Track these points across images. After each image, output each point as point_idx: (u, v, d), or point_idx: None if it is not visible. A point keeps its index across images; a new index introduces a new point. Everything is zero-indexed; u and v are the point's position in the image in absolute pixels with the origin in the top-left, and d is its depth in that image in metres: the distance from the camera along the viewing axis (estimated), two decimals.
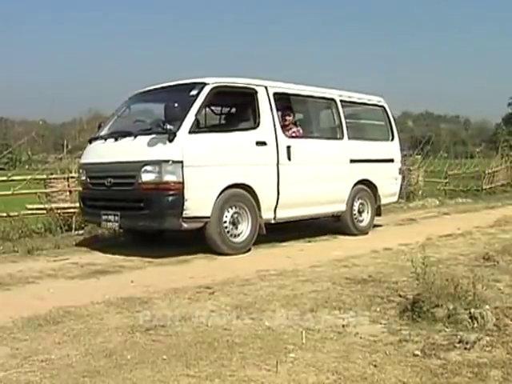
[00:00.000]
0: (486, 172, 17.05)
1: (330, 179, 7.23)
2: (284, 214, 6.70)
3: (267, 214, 6.47)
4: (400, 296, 4.07)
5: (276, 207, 6.57)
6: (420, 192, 14.07)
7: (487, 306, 3.52)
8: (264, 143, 6.43)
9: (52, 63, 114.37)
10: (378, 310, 3.80)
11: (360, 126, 8.46)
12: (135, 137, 6.03)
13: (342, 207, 7.51)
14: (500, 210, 11.33)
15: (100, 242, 7.00)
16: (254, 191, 6.26)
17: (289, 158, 6.67)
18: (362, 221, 7.92)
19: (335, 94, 7.67)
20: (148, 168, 5.75)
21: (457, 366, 2.76)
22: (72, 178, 8.32)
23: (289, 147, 6.68)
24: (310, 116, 7.88)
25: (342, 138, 7.57)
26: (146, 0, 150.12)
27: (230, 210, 6.10)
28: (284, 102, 7.07)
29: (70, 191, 8.31)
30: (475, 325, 3.29)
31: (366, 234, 7.88)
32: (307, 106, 7.69)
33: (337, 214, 7.58)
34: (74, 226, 7.78)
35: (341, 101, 7.65)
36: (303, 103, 7.59)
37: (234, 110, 7.70)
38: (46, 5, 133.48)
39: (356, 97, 8.13)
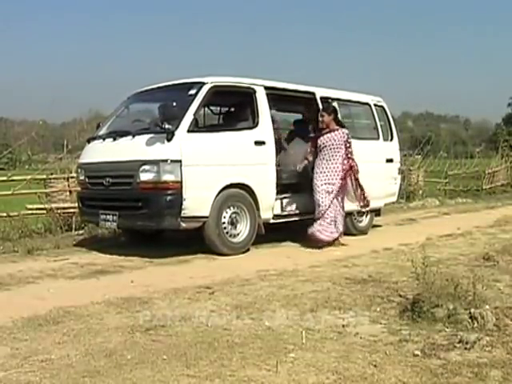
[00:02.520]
0: (486, 172, 17.07)
1: (371, 176, 7.60)
2: None
3: (266, 214, 6.47)
4: (400, 296, 4.07)
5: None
6: (420, 192, 14.08)
7: (487, 306, 3.52)
8: (263, 143, 6.43)
9: (52, 63, 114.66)
10: (378, 310, 3.80)
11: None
12: (133, 136, 6.02)
13: (381, 203, 8.12)
14: (500, 210, 11.35)
15: (100, 242, 7.00)
16: (252, 191, 6.26)
17: None
18: (361, 221, 7.95)
19: (369, 98, 8.26)
20: (146, 167, 5.74)
21: (457, 366, 2.76)
22: (72, 177, 8.32)
23: None
24: (352, 118, 8.25)
25: (378, 138, 8.12)
26: (146, 1, 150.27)
27: (228, 209, 6.09)
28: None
29: (70, 191, 8.30)
30: (475, 325, 3.29)
31: (365, 234, 7.89)
32: (350, 109, 8.17)
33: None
34: (73, 226, 7.77)
35: (374, 105, 8.25)
36: (346, 107, 8.01)
37: (233, 109, 7.70)
38: (46, 5, 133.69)
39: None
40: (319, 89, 7.50)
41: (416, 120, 66.00)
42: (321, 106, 7.27)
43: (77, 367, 2.81)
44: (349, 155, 6.61)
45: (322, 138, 6.70)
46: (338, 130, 6.72)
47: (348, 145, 6.64)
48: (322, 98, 7.35)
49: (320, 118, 6.75)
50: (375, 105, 8.29)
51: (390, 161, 8.27)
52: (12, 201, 8.15)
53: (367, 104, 8.20)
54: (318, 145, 6.69)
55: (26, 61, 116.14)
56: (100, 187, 6.27)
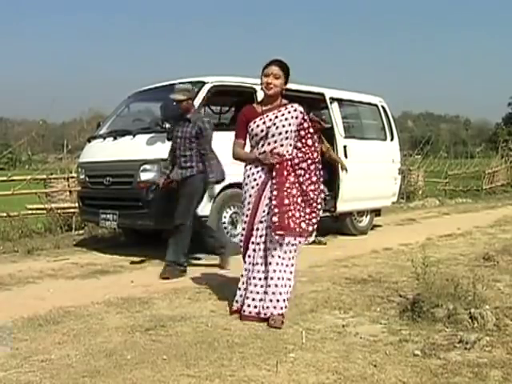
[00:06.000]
0: (486, 172, 17.08)
1: (379, 176, 7.76)
2: (343, 207, 7.26)
3: None
4: (400, 296, 4.07)
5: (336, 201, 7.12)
6: (420, 192, 14.09)
7: (487, 306, 3.52)
8: None
9: (52, 63, 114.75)
10: (378, 310, 3.80)
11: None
12: (134, 136, 6.02)
13: (389, 202, 8.22)
14: (500, 210, 11.36)
15: (100, 242, 7.00)
16: None
17: (346, 156, 7.19)
18: (361, 221, 7.96)
19: (377, 100, 8.29)
20: (147, 167, 5.74)
21: (457, 366, 2.76)
22: (72, 177, 8.33)
23: (345, 146, 7.22)
24: (360, 119, 8.36)
25: (385, 139, 8.16)
26: (146, 1, 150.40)
27: (228, 209, 6.09)
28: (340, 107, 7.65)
29: (70, 191, 8.31)
30: (475, 325, 3.29)
31: (365, 234, 7.89)
32: (358, 110, 8.27)
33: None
34: (73, 226, 7.78)
35: (382, 106, 8.28)
36: (354, 107, 8.15)
37: (233, 108, 7.68)
38: (46, 5, 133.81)
39: (356, 97, 8.18)
40: (329, 90, 7.43)
41: (416, 120, 65.98)
42: (331, 108, 7.20)
43: (77, 367, 2.81)
44: (306, 148, 3.63)
45: (260, 119, 3.71)
46: (287, 105, 3.79)
47: (304, 131, 3.66)
48: (331, 99, 7.34)
49: (266, 79, 3.68)
50: (383, 106, 8.32)
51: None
52: (12, 201, 8.15)
53: (375, 105, 8.23)
54: (253, 133, 3.72)
55: (26, 60, 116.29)
56: (100, 186, 6.27)
